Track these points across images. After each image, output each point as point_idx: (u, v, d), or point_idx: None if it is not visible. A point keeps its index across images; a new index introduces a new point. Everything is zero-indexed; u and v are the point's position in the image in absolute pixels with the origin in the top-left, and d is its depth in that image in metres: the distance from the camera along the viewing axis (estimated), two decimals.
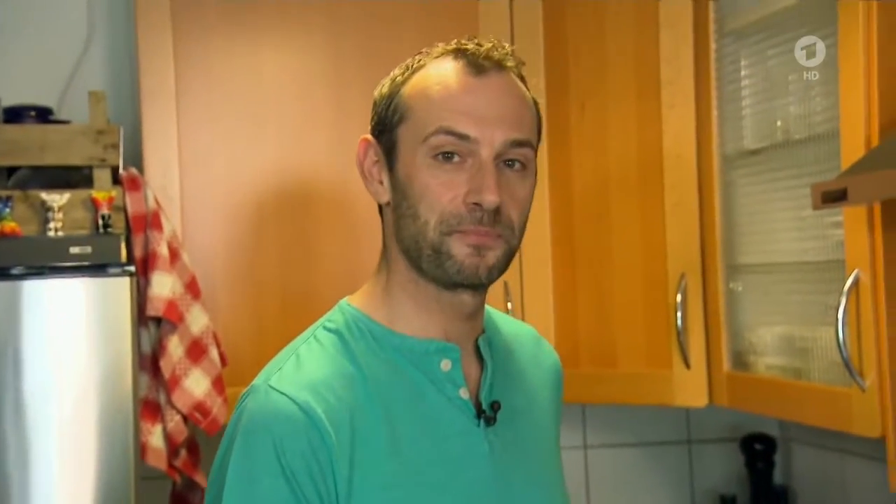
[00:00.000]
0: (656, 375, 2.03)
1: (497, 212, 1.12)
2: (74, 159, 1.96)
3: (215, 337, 1.99)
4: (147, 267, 1.91)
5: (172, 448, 1.93)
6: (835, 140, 1.63)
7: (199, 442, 2.02)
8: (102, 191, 1.93)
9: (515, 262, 2.16)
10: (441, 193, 1.13)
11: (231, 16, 2.11)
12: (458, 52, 1.15)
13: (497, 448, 1.18)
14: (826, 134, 1.69)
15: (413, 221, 1.14)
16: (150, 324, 1.93)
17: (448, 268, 1.13)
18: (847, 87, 1.58)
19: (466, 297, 1.17)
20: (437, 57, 1.17)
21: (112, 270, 1.84)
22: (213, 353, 1.97)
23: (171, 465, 1.93)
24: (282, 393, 1.13)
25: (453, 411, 1.17)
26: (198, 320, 1.96)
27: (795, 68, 1.80)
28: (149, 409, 1.92)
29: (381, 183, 1.19)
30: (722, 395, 1.95)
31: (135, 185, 1.94)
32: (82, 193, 1.92)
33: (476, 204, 1.11)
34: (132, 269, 1.86)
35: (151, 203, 1.94)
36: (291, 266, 2.11)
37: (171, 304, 1.90)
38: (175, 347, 1.92)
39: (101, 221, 1.90)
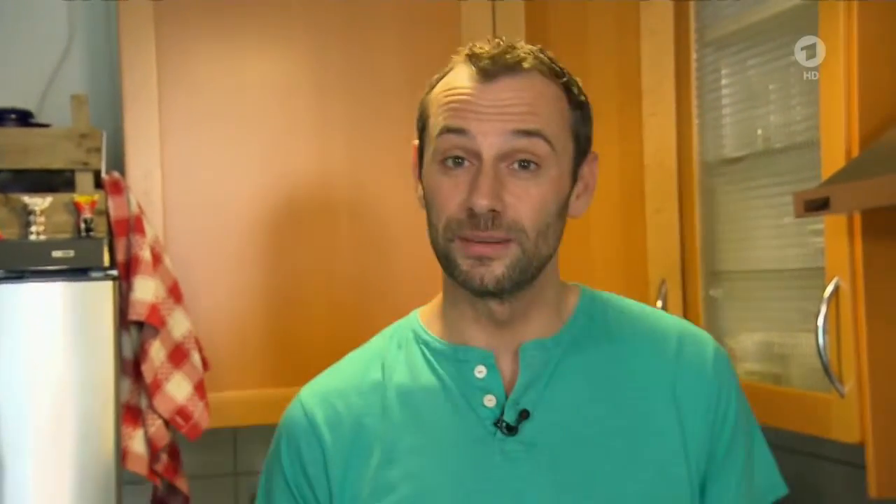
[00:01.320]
0: None
1: (498, 215, 1.08)
2: (57, 163, 1.94)
3: (197, 341, 1.98)
4: (129, 271, 1.90)
5: (153, 453, 1.92)
6: (815, 149, 1.65)
7: (181, 447, 2.01)
8: (85, 195, 1.92)
9: None
10: (446, 199, 1.11)
11: (214, 21, 2.10)
12: (470, 58, 1.13)
13: (516, 458, 1.11)
14: (806, 143, 1.72)
15: (430, 228, 1.15)
16: (132, 328, 1.92)
17: (457, 276, 1.12)
18: (827, 97, 1.61)
19: (494, 305, 1.13)
20: (459, 62, 1.16)
21: (94, 275, 1.83)
22: (195, 357, 1.96)
23: (152, 471, 1.93)
24: (299, 399, 1.22)
25: (472, 420, 1.13)
26: (180, 325, 1.95)
27: (775, 78, 1.82)
28: (130, 413, 1.91)
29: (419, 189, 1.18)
30: None
31: (117, 189, 1.94)
32: (64, 197, 1.91)
33: (468, 207, 1.08)
34: (115, 273, 1.85)
35: (134, 207, 1.93)
36: (274, 271, 2.11)
37: (154, 309, 1.89)
38: (157, 352, 1.91)
39: (83, 225, 1.89)
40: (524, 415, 1.12)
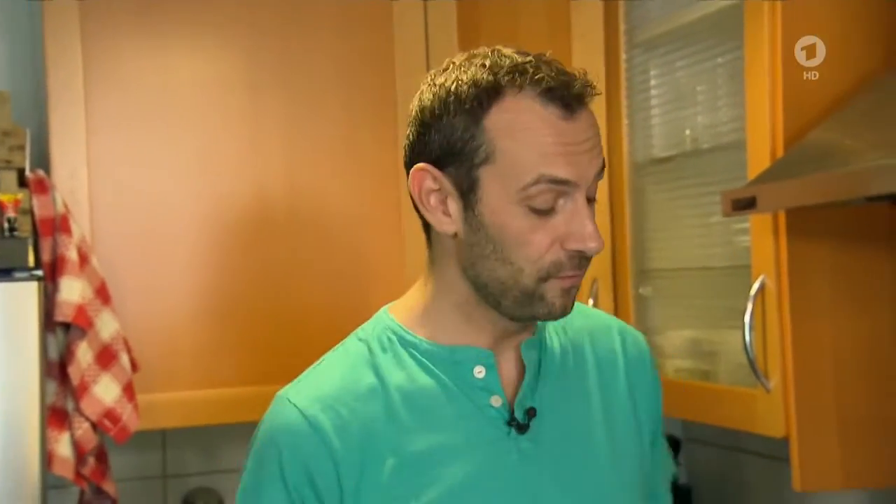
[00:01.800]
0: None
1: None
2: None
3: (126, 343, 1.96)
4: (55, 271, 1.87)
5: (80, 456, 1.89)
6: (741, 150, 1.69)
7: (108, 450, 1.98)
8: (8, 193, 1.87)
9: None
10: (540, 243, 1.08)
11: (142, 18, 2.07)
12: (548, 92, 1.07)
13: (529, 456, 1.13)
14: (733, 144, 1.75)
15: (503, 265, 1.09)
16: (59, 329, 1.89)
17: (537, 309, 1.10)
18: (753, 98, 1.64)
19: (530, 324, 1.15)
20: (517, 85, 1.07)
21: (19, 275, 1.79)
22: (124, 359, 1.93)
23: (78, 474, 1.89)
24: (294, 405, 1.14)
25: (482, 420, 1.13)
26: (108, 326, 1.92)
27: (703, 79, 1.85)
28: (56, 416, 1.88)
29: (447, 214, 1.11)
30: None
31: (42, 187, 1.90)
32: None
33: (577, 251, 1.08)
34: (40, 273, 1.81)
35: (60, 206, 1.90)
36: (205, 271, 2.09)
37: (81, 310, 1.86)
38: (84, 353, 1.88)
39: (6, 225, 1.85)
40: (531, 413, 1.14)
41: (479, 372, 1.14)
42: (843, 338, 1.56)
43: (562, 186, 1.07)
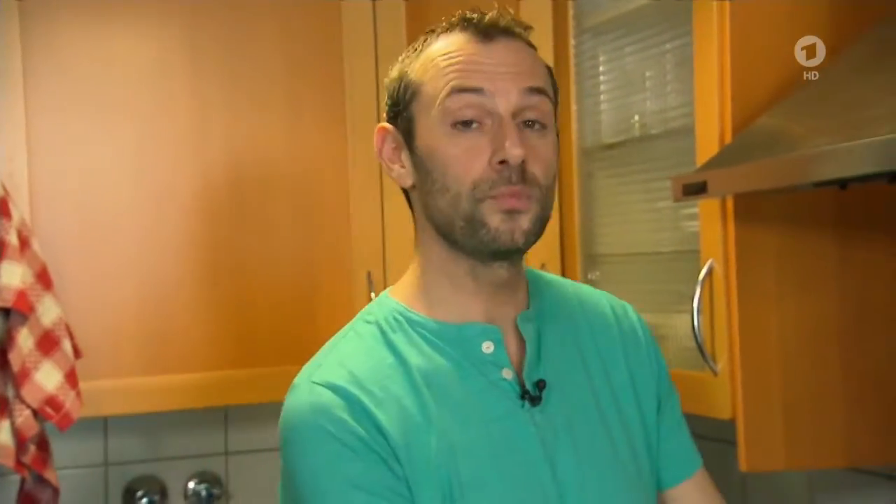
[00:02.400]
0: None
1: (524, 169, 1.09)
2: None
3: (68, 328, 1.92)
4: None
5: (21, 444, 1.85)
6: (689, 135, 1.70)
7: (50, 437, 1.94)
8: None
9: (378, 249, 2.19)
10: (467, 161, 1.10)
11: (82, 1, 2.04)
12: (464, 23, 1.14)
13: (543, 427, 1.15)
14: (681, 129, 1.76)
15: (443, 195, 1.12)
16: None
17: (483, 236, 1.11)
18: (701, 84, 1.65)
19: (502, 271, 1.15)
20: (442, 32, 1.16)
21: None
22: (66, 345, 1.90)
23: (19, 462, 1.86)
24: (324, 387, 1.11)
25: (496, 394, 1.15)
26: (49, 311, 1.89)
27: (652, 65, 1.86)
28: None
29: (403, 167, 1.16)
30: None
31: None
32: None
33: (502, 162, 1.09)
34: None
35: None
36: (147, 256, 2.06)
37: (21, 295, 1.83)
38: (25, 339, 1.84)
39: None
40: (542, 385, 1.16)
41: (488, 347, 1.16)
42: (789, 321, 1.58)
43: (477, 96, 1.10)
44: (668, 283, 1.82)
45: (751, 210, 1.57)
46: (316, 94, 2.16)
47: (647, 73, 1.87)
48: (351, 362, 1.15)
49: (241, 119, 2.12)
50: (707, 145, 1.62)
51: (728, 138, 1.58)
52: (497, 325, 1.17)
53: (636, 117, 1.90)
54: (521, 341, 1.19)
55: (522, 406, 1.16)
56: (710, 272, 1.62)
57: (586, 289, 1.33)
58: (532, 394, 1.16)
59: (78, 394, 1.90)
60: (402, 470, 1.10)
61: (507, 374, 1.16)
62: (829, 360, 1.59)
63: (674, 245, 1.80)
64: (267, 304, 2.13)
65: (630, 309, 1.32)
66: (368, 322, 1.19)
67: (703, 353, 1.62)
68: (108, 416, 2.23)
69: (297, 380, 1.17)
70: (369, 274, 2.14)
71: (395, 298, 1.20)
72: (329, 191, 2.16)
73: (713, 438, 1.78)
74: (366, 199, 2.15)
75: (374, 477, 1.08)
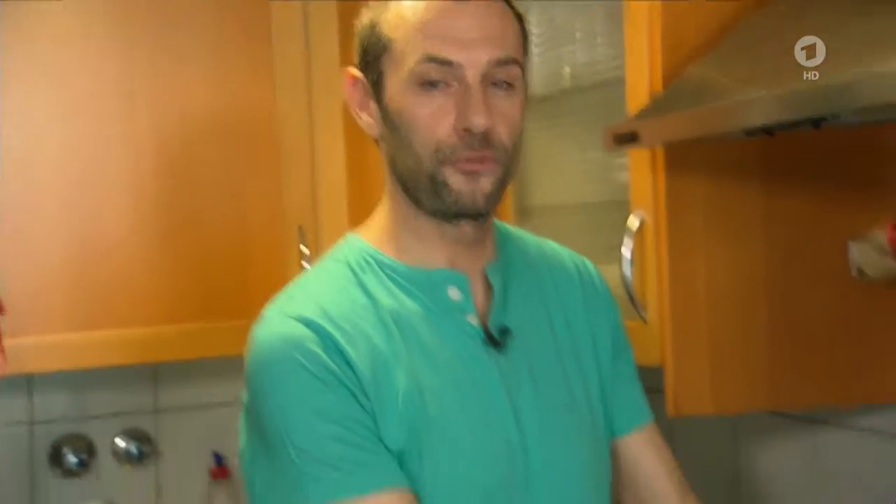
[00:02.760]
0: None
1: (488, 134, 1.11)
2: None
3: None
4: None
5: None
6: (620, 87, 1.71)
7: None
8: None
9: (309, 203, 2.18)
10: (432, 124, 1.11)
11: None
12: None
13: (507, 373, 1.19)
14: (611, 81, 1.77)
15: (408, 153, 1.13)
16: None
17: (445, 198, 1.13)
18: (631, 36, 1.66)
19: (468, 228, 1.17)
20: None
21: None
22: None
23: None
24: (294, 319, 1.11)
25: (463, 339, 1.17)
26: None
27: (581, 17, 1.87)
28: None
29: (372, 117, 1.17)
30: None
31: None
32: None
33: (466, 129, 1.10)
34: None
35: None
36: (73, 212, 2.03)
37: None
38: None
39: None
40: (504, 331, 1.20)
41: (455, 293, 1.18)
42: (717, 269, 1.61)
43: (447, 68, 1.11)
44: (599, 233, 1.84)
45: (680, 160, 1.59)
46: (242, 44, 2.13)
47: (577, 26, 1.87)
48: (322, 299, 1.15)
49: (167, 72, 2.09)
50: (637, 96, 1.63)
51: (658, 88, 1.60)
52: (464, 273, 1.20)
53: (567, 69, 1.91)
54: (487, 290, 1.22)
55: (487, 351, 1.19)
56: (639, 222, 1.64)
57: (549, 243, 1.36)
58: (497, 340, 1.19)
59: (1, 350, 1.87)
60: (371, 405, 1.11)
61: (473, 319, 1.19)
62: (756, 307, 1.63)
63: (605, 196, 1.81)
64: (196, 260, 2.11)
65: (590, 263, 1.36)
66: (339, 262, 1.20)
67: (633, 302, 1.65)
68: (34, 372, 2.19)
69: (266, 312, 1.17)
70: (300, 228, 2.13)
71: (366, 240, 1.21)
72: (259, 144, 2.14)
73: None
74: (296, 153, 2.14)
75: (343, 409, 1.09)
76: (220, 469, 2.45)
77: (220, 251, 2.12)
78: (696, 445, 2.12)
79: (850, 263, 1.61)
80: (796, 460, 1.92)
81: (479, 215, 1.17)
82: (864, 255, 1.59)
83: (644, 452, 1.37)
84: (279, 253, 2.13)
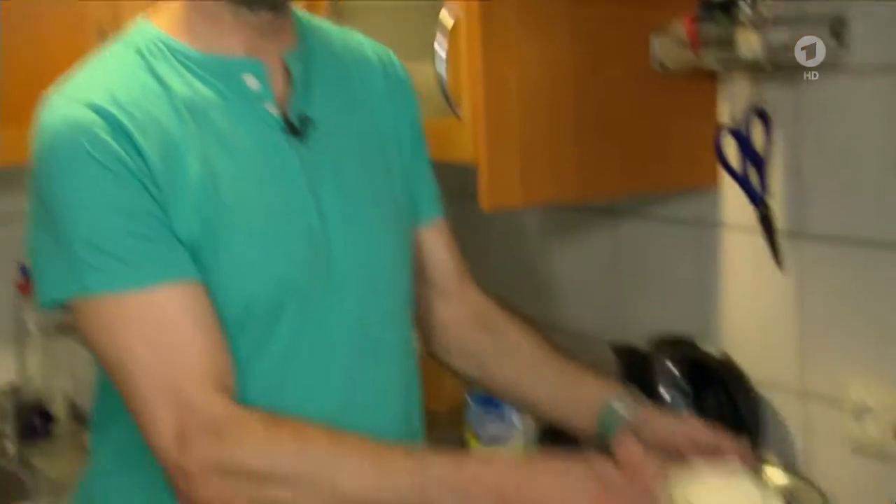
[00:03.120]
0: None
1: None
2: None
3: None
4: None
5: None
6: None
7: None
8: None
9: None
10: None
11: None
12: None
13: (308, 162, 1.17)
14: None
15: None
16: None
17: None
18: None
19: (266, 15, 1.14)
20: None
21: None
22: None
23: None
24: (79, 103, 1.06)
25: (261, 126, 1.15)
26: None
27: None
28: None
29: None
30: None
31: None
32: None
33: None
34: None
35: None
36: None
37: None
38: None
39: None
40: (305, 121, 1.18)
41: (252, 81, 1.15)
42: (529, 65, 1.64)
43: None
44: (413, 33, 1.83)
45: None
46: None
47: None
48: (111, 85, 1.11)
49: None
50: None
51: None
52: (262, 61, 1.17)
53: None
54: (287, 79, 1.20)
55: (287, 140, 1.18)
56: (453, 20, 1.65)
57: (353, 34, 1.35)
58: (297, 129, 1.18)
59: None
60: (162, 195, 1.09)
61: (271, 108, 1.17)
62: (565, 101, 1.68)
63: None
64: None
65: (392, 55, 1.36)
66: (128, 47, 1.15)
67: (448, 100, 1.67)
68: None
69: (52, 97, 1.12)
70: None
71: (157, 26, 1.16)
72: None
73: (458, 194, 1.84)
74: None
75: (132, 200, 1.08)
76: (27, 282, 2.39)
77: (17, 54, 2.00)
78: (510, 243, 2.22)
79: (652, 57, 1.68)
80: (601, 251, 2.04)
81: (276, 2, 1.15)
82: (664, 47, 1.66)
83: (438, 244, 1.43)
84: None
